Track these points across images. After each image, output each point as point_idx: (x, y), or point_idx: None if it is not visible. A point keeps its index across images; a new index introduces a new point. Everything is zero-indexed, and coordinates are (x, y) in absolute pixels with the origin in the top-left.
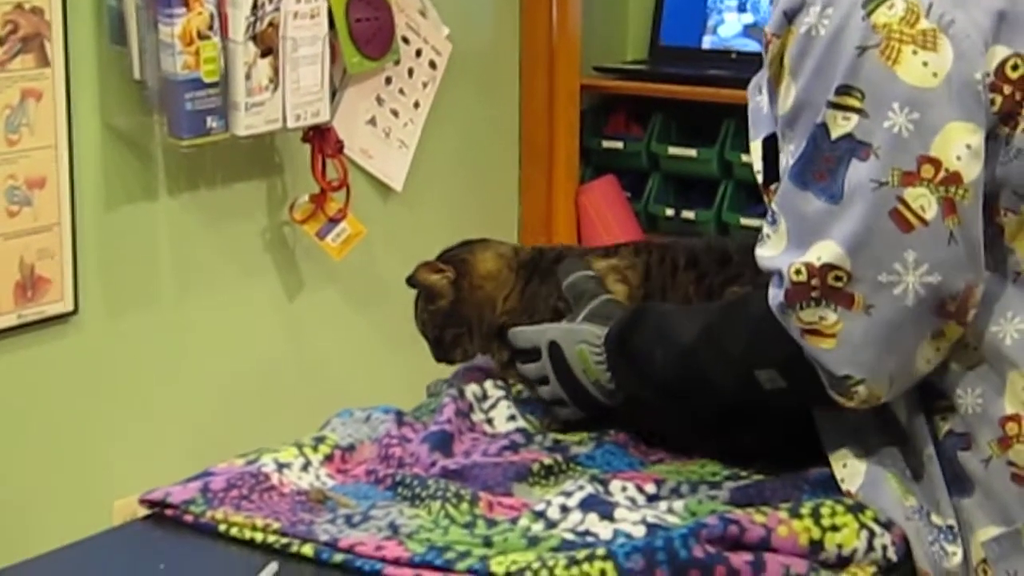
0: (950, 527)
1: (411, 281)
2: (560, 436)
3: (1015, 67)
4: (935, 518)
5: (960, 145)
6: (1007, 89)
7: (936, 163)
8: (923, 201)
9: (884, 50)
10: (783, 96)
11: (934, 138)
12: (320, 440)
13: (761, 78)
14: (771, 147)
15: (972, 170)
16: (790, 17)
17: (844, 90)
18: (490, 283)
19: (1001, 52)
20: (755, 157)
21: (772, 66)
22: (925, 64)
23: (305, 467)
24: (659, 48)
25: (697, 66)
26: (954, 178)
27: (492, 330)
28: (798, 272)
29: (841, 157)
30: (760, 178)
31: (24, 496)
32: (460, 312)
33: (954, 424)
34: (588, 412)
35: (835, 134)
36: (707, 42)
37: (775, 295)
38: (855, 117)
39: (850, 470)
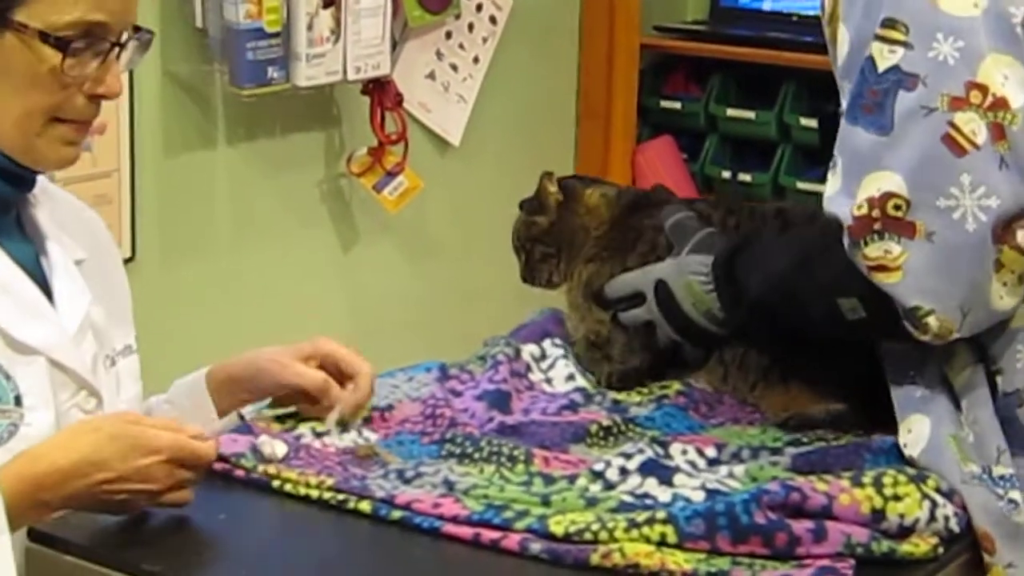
0: (1013, 474)
1: (535, 208)
2: (620, 396)
3: None
4: (996, 469)
5: (1000, 74)
6: None
7: (983, 88)
8: (973, 125)
9: None
10: (839, 47)
11: (979, 64)
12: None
13: None
14: (831, 126)
15: (1019, 96)
16: None
17: (889, 23)
18: (588, 216)
19: None
20: None
21: (831, 24)
22: None
23: (344, 430)
24: (720, 8)
25: (758, 27)
26: (1001, 103)
27: (578, 258)
28: (859, 208)
29: (888, 89)
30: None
31: None
32: (555, 233)
33: (1010, 382)
34: (703, 346)
35: (882, 67)
36: (768, 3)
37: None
38: (900, 50)
39: (914, 435)
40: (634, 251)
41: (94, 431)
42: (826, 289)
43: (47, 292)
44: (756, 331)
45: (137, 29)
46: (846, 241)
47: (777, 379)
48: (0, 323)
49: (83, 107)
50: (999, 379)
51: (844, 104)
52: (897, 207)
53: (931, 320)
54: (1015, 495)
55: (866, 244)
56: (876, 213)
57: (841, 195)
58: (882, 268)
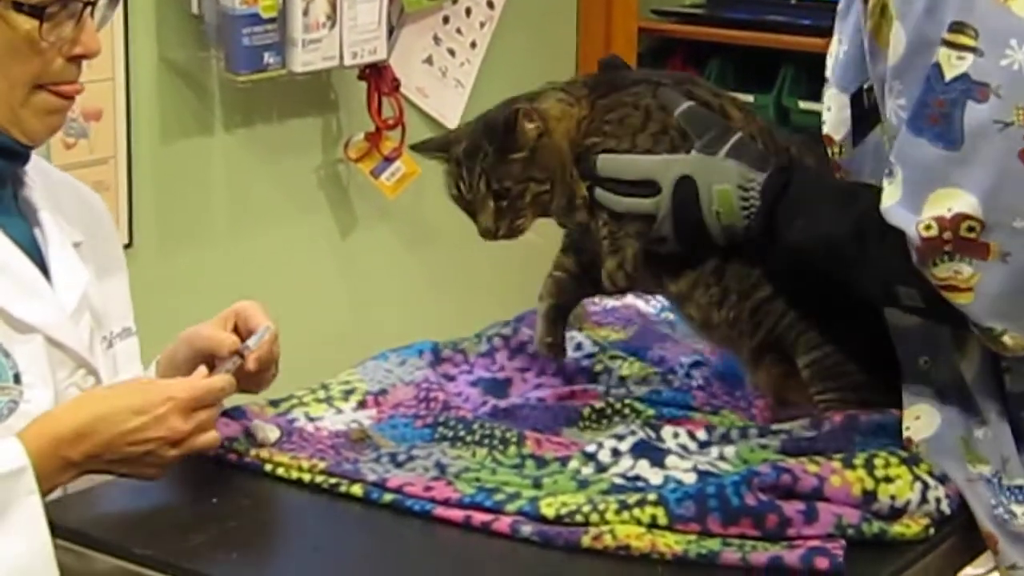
0: (1019, 487)
1: (507, 120)
2: (625, 373)
3: None
4: (1005, 479)
5: None
6: None
7: None
8: None
9: None
10: (892, 45)
11: None
12: (349, 392)
13: (839, 27)
14: (857, 103)
15: None
16: None
17: (957, 27)
18: (562, 123)
19: None
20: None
21: (873, 15)
22: None
23: (337, 414)
24: None
25: (755, 11)
26: None
27: (575, 166)
28: (928, 228)
29: (956, 99)
30: (826, 128)
31: None
32: (542, 163)
33: (1017, 382)
34: (696, 254)
35: (949, 75)
36: None
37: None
38: (970, 56)
39: (921, 423)
40: (644, 131)
41: (108, 390)
42: (884, 272)
43: (44, 271)
44: (777, 267)
45: None
46: (913, 257)
47: (780, 355)
48: None
49: (63, 69)
50: (1007, 377)
51: (893, 107)
52: (971, 228)
53: (1006, 339)
54: (1016, 508)
55: (935, 264)
56: (947, 235)
57: (903, 208)
58: (952, 288)
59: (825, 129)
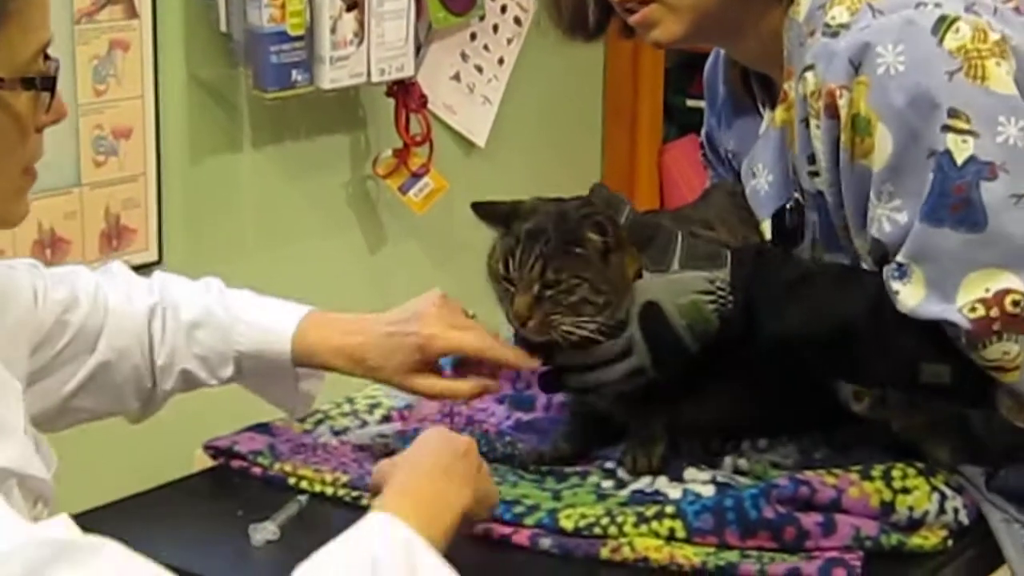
0: None
1: (579, 221)
2: None
3: None
4: None
5: None
6: None
7: None
8: None
9: (968, 71)
10: (878, 151)
11: None
12: (375, 406)
13: (753, 161)
14: (780, 220)
15: None
16: (857, 65)
17: (953, 113)
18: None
19: None
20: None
21: (846, 130)
22: (1008, 72)
23: (362, 426)
24: None
25: None
26: None
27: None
28: (973, 310)
29: (971, 182)
30: None
31: (109, 444)
32: (605, 272)
33: None
34: (672, 374)
35: (960, 159)
36: None
37: (955, 332)
38: (971, 139)
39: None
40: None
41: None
42: (906, 350)
43: None
44: (766, 364)
45: None
46: (962, 342)
47: None
48: None
49: (40, 145)
50: None
51: (883, 213)
52: (1015, 303)
53: None
54: None
55: (984, 347)
56: (995, 312)
57: (933, 302)
58: (1000, 368)
59: None
